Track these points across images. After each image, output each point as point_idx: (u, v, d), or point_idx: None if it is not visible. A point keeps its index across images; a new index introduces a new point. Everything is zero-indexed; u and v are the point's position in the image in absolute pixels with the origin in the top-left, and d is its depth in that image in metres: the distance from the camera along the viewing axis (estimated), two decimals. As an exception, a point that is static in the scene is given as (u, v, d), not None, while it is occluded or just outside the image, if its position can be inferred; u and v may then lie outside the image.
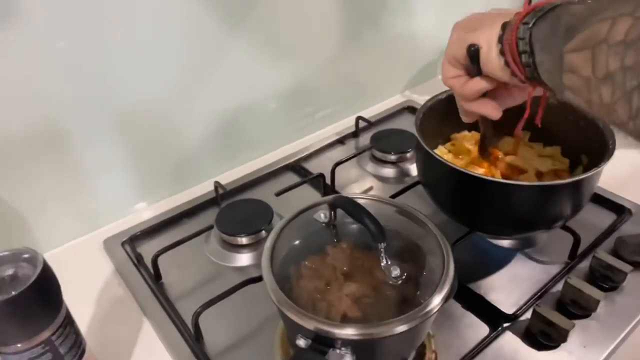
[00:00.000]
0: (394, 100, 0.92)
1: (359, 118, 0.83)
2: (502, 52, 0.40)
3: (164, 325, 0.53)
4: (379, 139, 0.77)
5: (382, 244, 0.43)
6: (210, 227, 0.62)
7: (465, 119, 0.52)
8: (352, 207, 0.44)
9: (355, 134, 0.83)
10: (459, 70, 0.46)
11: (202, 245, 0.63)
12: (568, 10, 0.35)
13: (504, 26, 0.40)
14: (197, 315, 0.50)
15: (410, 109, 0.89)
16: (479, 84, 0.45)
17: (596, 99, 0.31)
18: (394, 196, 0.64)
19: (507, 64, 0.40)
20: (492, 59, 0.41)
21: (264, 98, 0.76)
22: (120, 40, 0.58)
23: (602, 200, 0.64)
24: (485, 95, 0.47)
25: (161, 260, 0.58)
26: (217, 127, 0.73)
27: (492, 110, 0.47)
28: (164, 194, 0.72)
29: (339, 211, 0.48)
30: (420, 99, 0.92)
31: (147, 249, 0.62)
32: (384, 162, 0.76)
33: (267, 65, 0.74)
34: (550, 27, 0.36)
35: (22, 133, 0.55)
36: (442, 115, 0.63)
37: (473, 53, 0.43)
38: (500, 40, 0.40)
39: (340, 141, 0.82)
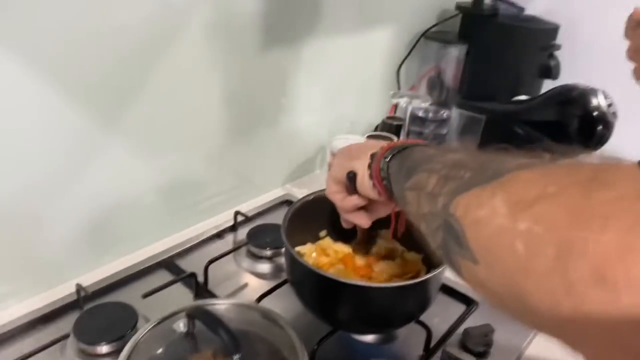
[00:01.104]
0: (274, 194, 0.96)
1: (236, 213, 0.85)
2: (370, 177, 0.50)
3: None
4: (255, 234, 0.79)
5: (236, 355, 0.43)
6: (66, 336, 0.58)
7: (344, 225, 0.61)
8: (207, 319, 0.44)
9: (233, 228, 0.85)
10: (340, 188, 0.56)
11: (58, 357, 0.58)
12: (411, 154, 0.44)
13: (372, 156, 0.50)
14: None
15: (288, 202, 0.93)
16: (355, 201, 0.55)
17: (423, 229, 0.38)
18: (266, 294, 0.66)
19: (374, 186, 0.50)
20: (365, 182, 0.51)
21: (140, 192, 0.76)
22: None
23: (454, 293, 0.71)
24: (360, 208, 0.57)
25: (4, 378, 0.53)
26: (85, 224, 0.70)
27: (364, 221, 0.57)
28: (18, 298, 0.66)
29: (199, 320, 0.48)
30: (299, 192, 0.97)
31: (-10, 364, 0.56)
32: (259, 258, 0.77)
33: (146, 159, 0.74)
34: (399, 164, 0.45)
35: None
36: (311, 215, 0.67)
37: (351, 178, 0.53)
38: (370, 167, 0.50)
39: (219, 235, 0.83)
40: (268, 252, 0.77)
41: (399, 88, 1.16)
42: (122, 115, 0.69)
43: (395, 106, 1.06)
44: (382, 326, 0.58)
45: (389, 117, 1.10)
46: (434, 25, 1.13)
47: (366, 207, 0.57)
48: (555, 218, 0.24)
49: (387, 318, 0.56)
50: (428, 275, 0.54)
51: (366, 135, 1.03)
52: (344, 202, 0.55)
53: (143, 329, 0.48)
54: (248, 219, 0.85)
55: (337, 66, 1.01)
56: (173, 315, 0.49)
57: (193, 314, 0.46)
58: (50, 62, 0.59)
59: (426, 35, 1.12)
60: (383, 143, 0.50)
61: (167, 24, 0.68)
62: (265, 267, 0.76)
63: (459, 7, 1.12)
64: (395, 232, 0.61)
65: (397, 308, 0.55)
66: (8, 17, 0.54)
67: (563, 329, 0.24)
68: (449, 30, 1.15)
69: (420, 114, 1.14)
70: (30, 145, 0.61)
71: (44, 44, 0.58)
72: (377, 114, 1.14)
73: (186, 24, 0.70)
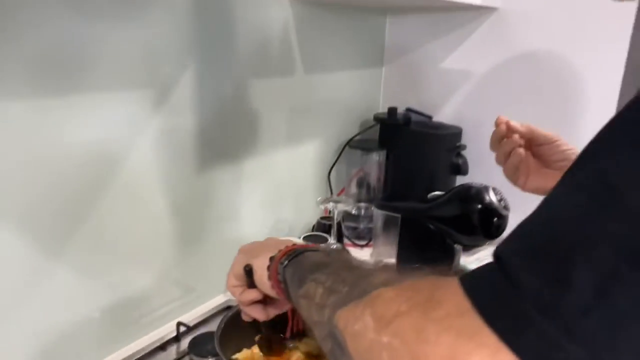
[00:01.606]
0: (216, 300, 1.01)
1: (179, 324, 0.89)
2: (269, 278, 0.55)
3: None
4: (197, 344, 0.83)
5: None
6: None
7: (244, 318, 0.66)
8: None
9: (176, 339, 0.89)
10: (239, 282, 0.62)
11: None
12: (304, 260, 0.51)
13: (271, 259, 0.55)
14: None
15: (230, 307, 0.98)
16: (252, 295, 0.60)
17: (316, 335, 0.42)
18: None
19: (273, 287, 0.55)
20: (263, 280, 0.56)
21: (85, 312, 0.79)
22: None
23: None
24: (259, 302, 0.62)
25: None
26: (29, 351, 0.73)
27: (260, 315, 0.63)
28: None
29: None
30: (242, 296, 1.02)
31: None
32: (201, 367, 0.81)
33: (91, 279, 0.79)
34: (293, 271, 0.51)
35: None
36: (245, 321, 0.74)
37: (248, 272, 0.58)
38: (268, 269, 0.55)
39: (162, 347, 0.87)
40: (210, 360, 0.81)
41: (330, 190, 1.28)
42: (67, 238, 0.74)
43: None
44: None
45: (322, 218, 1.21)
46: (356, 135, 1.29)
47: (265, 302, 0.62)
48: (406, 333, 0.30)
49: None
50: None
51: (303, 236, 1.12)
52: (242, 295, 0.61)
53: None
54: (190, 329, 0.89)
55: (274, 175, 1.12)
56: None
57: None
58: None
59: (350, 144, 1.26)
60: (281, 245, 0.56)
61: (110, 145, 0.76)
62: (207, 375, 0.80)
63: (376, 118, 1.28)
64: (292, 330, 0.67)
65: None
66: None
67: None
68: (370, 138, 1.31)
69: (354, 211, 1.25)
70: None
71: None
72: (312, 215, 1.24)
73: (130, 145, 0.79)
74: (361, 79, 1.34)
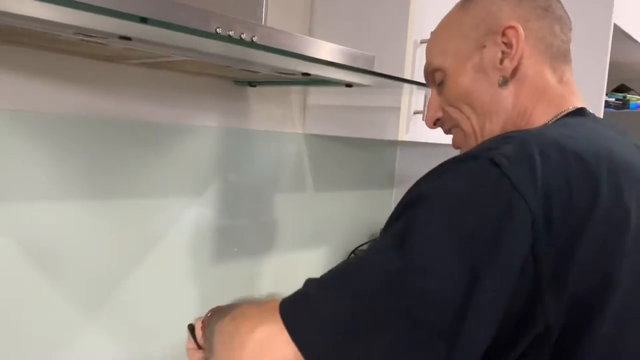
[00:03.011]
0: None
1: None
2: (201, 329, 0.72)
3: None
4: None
5: None
6: None
7: None
8: None
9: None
10: (194, 345, 0.76)
11: None
12: (219, 309, 0.68)
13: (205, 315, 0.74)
14: None
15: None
16: (197, 354, 0.76)
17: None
18: None
19: (202, 335, 0.72)
20: (199, 335, 0.73)
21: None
22: None
23: None
24: None
25: None
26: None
27: None
28: None
29: None
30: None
31: None
32: None
33: (115, 345, 1.01)
34: (212, 316, 0.68)
35: None
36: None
37: (191, 329, 0.76)
38: (202, 322, 0.73)
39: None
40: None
41: (335, 292, 1.45)
42: (102, 304, 0.99)
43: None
44: None
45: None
46: (361, 245, 1.48)
47: None
48: (238, 319, 0.55)
49: None
50: None
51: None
52: (193, 356, 0.75)
53: None
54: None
55: (281, 275, 1.32)
56: None
57: None
58: (51, 254, 0.93)
59: (355, 252, 1.45)
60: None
61: (156, 236, 1.02)
62: None
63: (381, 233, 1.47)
64: None
65: None
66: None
67: None
68: (375, 249, 1.48)
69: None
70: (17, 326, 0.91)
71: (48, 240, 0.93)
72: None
73: (172, 236, 1.04)
74: (372, 198, 1.55)
